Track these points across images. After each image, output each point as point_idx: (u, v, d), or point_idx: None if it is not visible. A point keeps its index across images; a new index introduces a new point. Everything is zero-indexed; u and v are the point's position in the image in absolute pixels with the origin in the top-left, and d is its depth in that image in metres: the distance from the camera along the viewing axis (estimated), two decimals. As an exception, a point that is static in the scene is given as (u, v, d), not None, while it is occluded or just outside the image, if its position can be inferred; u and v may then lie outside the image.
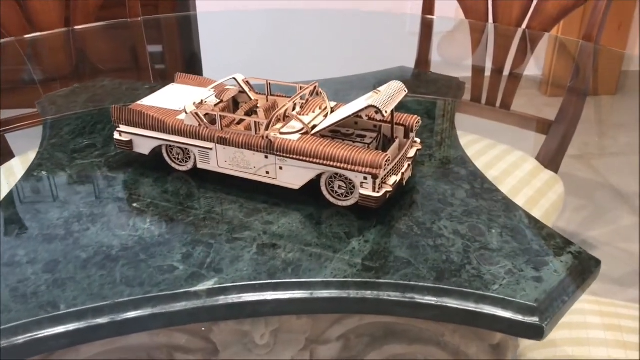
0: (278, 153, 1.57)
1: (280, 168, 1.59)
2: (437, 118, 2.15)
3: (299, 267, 1.37)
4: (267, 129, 1.58)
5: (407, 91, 1.59)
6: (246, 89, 1.87)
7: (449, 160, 1.71)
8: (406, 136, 1.52)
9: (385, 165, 1.32)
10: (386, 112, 1.46)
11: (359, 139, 1.64)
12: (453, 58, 3.49)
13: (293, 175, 1.58)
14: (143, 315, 1.28)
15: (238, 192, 1.51)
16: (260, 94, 1.87)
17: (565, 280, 1.35)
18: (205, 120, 1.67)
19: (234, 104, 1.89)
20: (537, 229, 1.52)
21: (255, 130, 1.60)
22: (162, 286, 1.33)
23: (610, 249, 3.06)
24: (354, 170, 1.48)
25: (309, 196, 1.48)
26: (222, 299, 1.33)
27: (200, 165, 1.73)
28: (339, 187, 1.56)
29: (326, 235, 1.36)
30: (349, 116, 1.52)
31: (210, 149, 1.67)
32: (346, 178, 1.54)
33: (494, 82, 2.76)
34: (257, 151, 1.60)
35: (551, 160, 2.11)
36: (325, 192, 1.59)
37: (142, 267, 1.38)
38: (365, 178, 1.48)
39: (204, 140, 1.67)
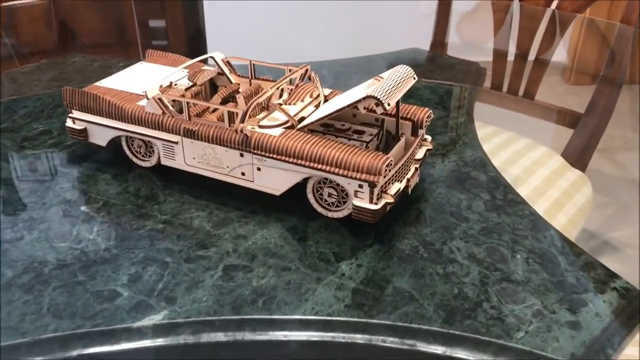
0: (255, 151, 1.28)
1: (258, 169, 1.30)
2: (452, 109, 1.84)
3: (272, 299, 1.09)
4: (243, 120, 1.29)
5: (416, 78, 1.29)
6: (226, 70, 1.57)
7: (465, 162, 1.40)
8: (414, 133, 1.24)
9: (386, 170, 1.16)
10: (389, 104, 1.16)
11: (356, 136, 1.34)
12: (473, 40, 3.14)
13: (273, 179, 1.29)
14: (69, 358, 1.01)
15: (209, 195, 1.42)
16: (243, 77, 1.58)
17: (610, 328, 1.06)
18: (170, 108, 1.38)
19: (212, 88, 1.60)
20: (573, 255, 1.22)
21: (230, 122, 1.30)
22: (97, 319, 1.05)
23: (635, 252, 2.71)
24: (346, 176, 1.19)
25: (292, 204, 1.31)
26: (172, 339, 1.04)
27: (164, 162, 1.44)
28: (329, 195, 1.26)
29: (310, 255, 1.10)
30: (343, 108, 1.22)
31: (176, 142, 1.38)
32: (337, 185, 1.24)
33: (518, 68, 2.46)
34: (231, 147, 1.31)
35: (578, 157, 1.80)
36: (312, 201, 1.30)
37: (77, 292, 1.10)
38: (360, 186, 1.18)
39: (168, 132, 1.38)
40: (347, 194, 1.26)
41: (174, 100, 1.36)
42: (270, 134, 1.28)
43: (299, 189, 1.22)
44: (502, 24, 2.90)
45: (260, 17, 3.40)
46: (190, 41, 3.68)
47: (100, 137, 1.50)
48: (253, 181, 1.34)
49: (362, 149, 1.23)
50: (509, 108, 2.32)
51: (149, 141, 1.44)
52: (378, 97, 1.18)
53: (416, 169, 1.36)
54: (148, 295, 1.11)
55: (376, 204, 1.17)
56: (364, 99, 1.20)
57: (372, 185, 1.20)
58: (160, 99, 1.38)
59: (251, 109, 1.29)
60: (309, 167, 1.24)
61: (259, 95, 1.32)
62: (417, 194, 1.30)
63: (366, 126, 1.39)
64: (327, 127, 1.39)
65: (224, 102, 1.46)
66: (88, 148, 1.58)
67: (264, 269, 1.10)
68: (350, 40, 2.82)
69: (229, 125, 1.31)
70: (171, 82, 1.49)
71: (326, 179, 1.26)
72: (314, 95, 1.42)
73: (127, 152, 1.50)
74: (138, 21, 3.04)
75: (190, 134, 1.35)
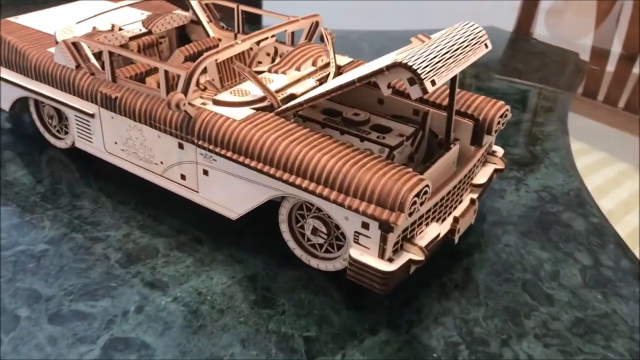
0: (200, 142, 0.75)
1: (205, 172, 0.78)
2: (537, 113, 1.26)
3: None
4: (185, 89, 0.76)
5: (489, 46, 0.73)
6: (202, 17, 1.05)
7: (553, 194, 0.80)
8: (476, 140, 0.89)
9: (416, 203, 0.69)
10: (433, 83, 0.61)
11: (375, 135, 0.80)
12: (565, 34, 2.46)
13: (227, 192, 0.77)
14: None
15: (137, 203, 0.97)
16: (227, 29, 1.05)
17: None
18: (93, 63, 0.87)
19: (181, 41, 1.08)
20: None
21: (168, 90, 0.78)
22: None
23: None
24: (343, 205, 0.65)
25: (258, 236, 0.88)
26: None
27: (79, 144, 0.94)
28: (314, 230, 0.73)
29: (266, 337, 0.75)
30: (349, 85, 0.68)
31: (91, 115, 0.87)
32: (328, 217, 0.70)
33: (621, 74, 1.87)
34: (165, 131, 0.79)
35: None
36: (286, 236, 0.77)
37: None
38: (365, 225, 0.65)
39: (82, 98, 0.87)
40: (344, 235, 0.72)
41: (112, 57, 0.84)
42: (228, 116, 0.75)
43: (272, 212, 0.69)
44: (607, 16, 2.30)
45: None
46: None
47: (2, 97, 1.00)
48: (197, 191, 0.81)
49: (380, 159, 0.69)
50: (604, 121, 1.71)
51: (59, 109, 0.93)
52: (413, 67, 0.63)
53: (473, 201, 0.80)
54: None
55: (391, 261, 0.63)
56: (388, 69, 0.65)
57: (385, 227, 0.65)
58: (74, 46, 0.87)
59: (199, 72, 0.76)
60: (282, 179, 0.70)
61: (215, 51, 0.78)
62: (469, 242, 0.76)
63: (398, 121, 0.84)
64: (331, 116, 0.85)
65: (190, 60, 0.94)
66: (-1, 113, 1.10)
67: (176, 353, 0.58)
68: (403, 11, 2.21)
69: (166, 96, 0.79)
70: (113, 25, 0.98)
71: (311, 204, 0.73)
72: (320, 64, 0.88)
73: (38, 123, 1.00)
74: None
75: (109, 104, 0.84)
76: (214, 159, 0.78)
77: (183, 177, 0.83)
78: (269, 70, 0.86)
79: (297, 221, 0.77)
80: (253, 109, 0.78)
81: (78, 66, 0.88)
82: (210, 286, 0.77)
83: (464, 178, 0.81)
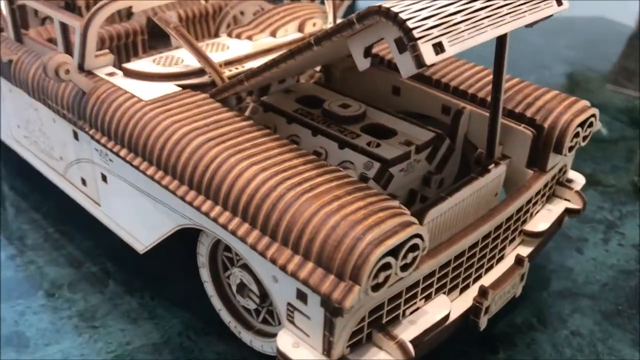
0: (92, 130, 0.48)
1: (104, 178, 0.50)
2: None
3: None
4: (81, 51, 0.50)
5: (564, 3, 0.40)
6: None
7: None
8: (537, 161, 0.55)
9: (387, 270, 0.39)
10: (439, 47, 0.31)
11: (366, 138, 0.49)
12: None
13: (129, 210, 0.49)
14: None
15: (49, 209, 0.70)
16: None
17: None
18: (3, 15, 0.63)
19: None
20: None
21: (66, 49, 0.52)
22: None
23: None
24: (262, 254, 0.36)
25: (197, 274, 0.55)
26: None
27: None
28: (241, 287, 0.43)
29: None
30: (309, 47, 0.38)
31: (-11, 86, 0.63)
32: (254, 273, 0.42)
33: None
34: (58, 113, 0.53)
35: None
36: (209, 289, 0.48)
37: None
38: (301, 296, 0.34)
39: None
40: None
41: (13, 5, 0.60)
42: (135, 93, 0.48)
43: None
44: None
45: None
46: None
47: None
48: (99, 204, 0.54)
49: (348, 184, 0.39)
50: None
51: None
52: (401, 15, 0.33)
53: (520, 260, 0.49)
54: None
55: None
56: (359, 20, 0.36)
57: (330, 307, 0.35)
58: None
59: (99, 24, 0.50)
60: (184, 200, 0.42)
61: (129, -7, 0.52)
62: (512, 324, 0.56)
63: (413, 121, 0.54)
64: (309, 107, 0.56)
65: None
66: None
67: None
68: None
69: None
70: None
71: (236, 252, 0.44)
72: (310, 30, 0.59)
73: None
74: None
75: (5, 71, 0.59)
76: (110, 159, 0.51)
77: (83, 181, 0.56)
78: (229, 34, 0.59)
79: (225, 268, 0.49)
80: (179, 85, 0.51)
81: (-18, 20, 0.64)
82: (87, 355, 0.50)
83: (509, 221, 0.49)
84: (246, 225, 0.40)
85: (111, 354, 0.50)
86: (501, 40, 0.48)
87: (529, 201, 0.52)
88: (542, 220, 0.54)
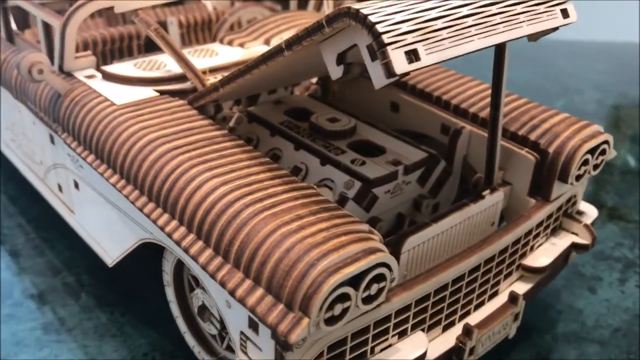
0: (64, 134, 0.46)
1: (76, 185, 0.48)
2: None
3: None
4: (60, 50, 0.48)
5: (572, 16, 0.36)
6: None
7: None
8: (539, 190, 0.49)
9: (346, 302, 0.35)
10: (413, 55, 0.27)
11: (351, 155, 0.46)
12: None
13: (99, 221, 0.47)
14: None
15: (36, 214, 0.67)
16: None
17: None
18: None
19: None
20: None
21: (49, 52, 0.50)
22: None
23: None
24: (212, 275, 0.32)
25: (147, 306, 0.55)
26: None
27: None
28: (202, 310, 0.40)
29: None
30: (279, 51, 0.35)
31: (-19, 86, 0.61)
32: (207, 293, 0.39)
33: None
34: (37, 115, 0.51)
35: None
36: (175, 309, 0.45)
37: None
38: (253, 325, 0.30)
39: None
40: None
41: (4, 3, 0.58)
42: (109, 97, 0.45)
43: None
44: None
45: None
46: None
47: None
48: (73, 212, 0.52)
49: (316, 203, 0.36)
50: None
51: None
52: (370, 18, 0.30)
53: (513, 298, 0.44)
54: None
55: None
56: (329, 23, 0.32)
57: (282, 343, 0.31)
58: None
59: (78, 22, 0.48)
60: (141, 210, 0.39)
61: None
62: None
63: (406, 140, 0.50)
64: (297, 120, 0.52)
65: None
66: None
67: None
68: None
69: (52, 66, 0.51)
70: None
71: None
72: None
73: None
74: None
75: (-5, 72, 0.58)
76: (80, 165, 0.48)
77: (60, 187, 0.54)
78: (220, 40, 0.56)
79: (191, 288, 0.45)
80: (158, 90, 0.48)
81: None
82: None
83: (503, 254, 0.44)
84: (200, 243, 0.37)
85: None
86: (499, 54, 0.44)
87: (528, 233, 0.47)
88: (543, 255, 0.49)
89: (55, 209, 0.57)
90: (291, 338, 0.31)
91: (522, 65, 1.19)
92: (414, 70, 0.34)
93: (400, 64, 0.32)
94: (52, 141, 0.52)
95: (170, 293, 0.46)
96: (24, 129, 0.57)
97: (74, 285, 0.56)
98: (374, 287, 0.34)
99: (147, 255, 0.50)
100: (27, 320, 0.52)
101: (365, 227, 0.36)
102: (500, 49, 0.44)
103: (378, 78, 0.33)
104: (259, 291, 0.34)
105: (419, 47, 0.33)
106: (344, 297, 0.33)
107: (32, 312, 0.53)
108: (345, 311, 0.33)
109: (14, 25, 0.63)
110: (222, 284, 0.35)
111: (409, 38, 0.33)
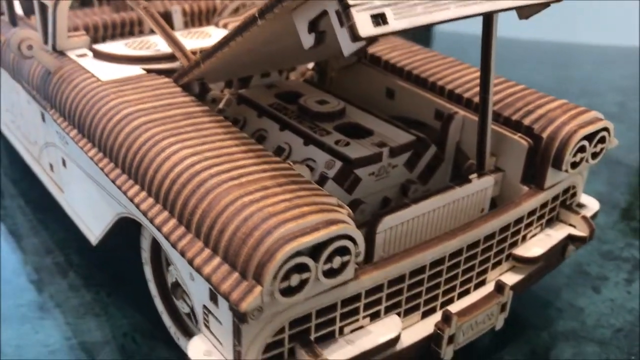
0: (52, 111, 0.46)
1: (64, 162, 0.48)
2: None
3: None
4: (52, 27, 0.48)
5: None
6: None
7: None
8: (532, 177, 0.47)
9: (306, 272, 0.33)
10: (380, 18, 0.26)
11: (336, 136, 0.45)
12: None
13: (84, 198, 0.46)
14: None
15: (36, 196, 0.66)
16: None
17: None
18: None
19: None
20: None
21: (44, 30, 0.51)
22: None
23: None
24: (174, 244, 0.31)
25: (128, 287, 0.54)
26: None
27: None
28: (176, 287, 0.39)
29: None
30: (253, 21, 0.34)
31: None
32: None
33: None
34: (30, 93, 0.51)
35: None
36: (153, 288, 0.44)
37: None
38: (214, 298, 0.29)
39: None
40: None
41: None
42: (96, 74, 0.45)
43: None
44: None
45: None
46: None
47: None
48: (63, 191, 0.52)
49: (288, 179, 0.35)
50: None
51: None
52: None
53: (500, 287, 0.42)
54: None
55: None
56: None
57: (238, 314, 0.30)
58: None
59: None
60: (114, 182, 0.39)
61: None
62: None
63: (396, 124, 0.49)
64: (287, 102, 0.51)
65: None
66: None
67: None
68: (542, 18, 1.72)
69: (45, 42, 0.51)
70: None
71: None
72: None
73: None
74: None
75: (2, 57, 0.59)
76: (66, 142, 0.48)
77: (51, 166, 0.54)
78: (216, 24, 0.56)
79: (168, 268, 0.45)
80: (146, 69, 0.48)
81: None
82: (23, 346, 0.47)
83: (489, 240, 0.43)
84: (165, 214, 0.36)
85: (46, 348, 0.47)
86: (487, 31, 0.42)
87: (518, 221, 0.45)
88: (536, 246, 0.47)
89: (47, 188, 0.57)
90: (242, 306, 0.30)
91: (542, 68, 1.16)
92: (382, 35, 0.33)
93: (365, 27, 0.31)
94: (44, 119, 0.52)
95: (148, 271, 0.46)
96: (21, 110, 0.58)
97: (63, 264, 0.56)
98: (337, 261, 0.33)
99: (137, 238, 0.49)
100: (14, 297, 0.52)
101: (333, 200, 0.35)
102: (487, 26, 0.42)
103: (346, 44, 0.32)
104: (216, 260, 0.33)
105: (387, 11, 0.32)
106: (302, 268, 0.32)
107: (20, 290, 0.53)
108: (304, 283, 0.32)
109: (19, 10, 0.64)
110: (182, 253, 0.34)
111: (377, 2, 0.31)
